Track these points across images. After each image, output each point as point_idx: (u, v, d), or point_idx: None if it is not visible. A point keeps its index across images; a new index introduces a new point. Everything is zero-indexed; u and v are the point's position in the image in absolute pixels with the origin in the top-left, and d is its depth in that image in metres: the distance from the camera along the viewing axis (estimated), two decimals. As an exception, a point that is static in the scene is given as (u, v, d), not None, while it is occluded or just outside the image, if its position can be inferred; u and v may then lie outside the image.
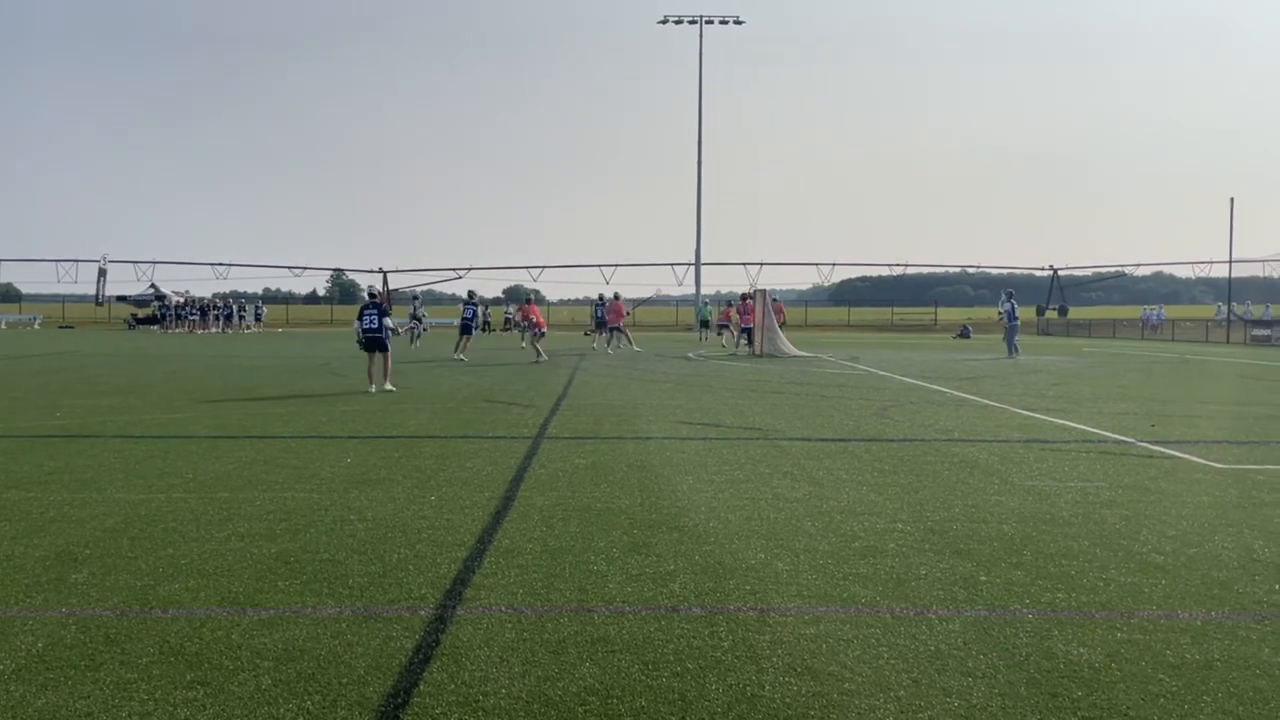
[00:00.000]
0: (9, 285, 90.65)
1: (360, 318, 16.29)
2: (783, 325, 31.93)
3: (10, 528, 6.18)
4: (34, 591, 4.89)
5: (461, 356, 24.69)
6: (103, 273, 69.30)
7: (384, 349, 16.00)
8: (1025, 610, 4.74)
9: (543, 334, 25.20)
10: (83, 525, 6.26)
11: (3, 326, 61.38)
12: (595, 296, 33.17)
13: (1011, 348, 27.92)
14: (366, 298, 17.35)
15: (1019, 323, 28.71)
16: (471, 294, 27.88)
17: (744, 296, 32.30)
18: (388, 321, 16.23)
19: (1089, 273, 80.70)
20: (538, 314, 25.58)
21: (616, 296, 31.37)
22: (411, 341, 30.88)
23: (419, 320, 34.27)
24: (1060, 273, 73.23)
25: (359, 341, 16.35)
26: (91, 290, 69.80)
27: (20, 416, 12.21)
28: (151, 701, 3.61)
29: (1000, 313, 29.71)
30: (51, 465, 8.50)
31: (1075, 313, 69.99)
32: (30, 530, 6.12)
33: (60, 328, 60.66)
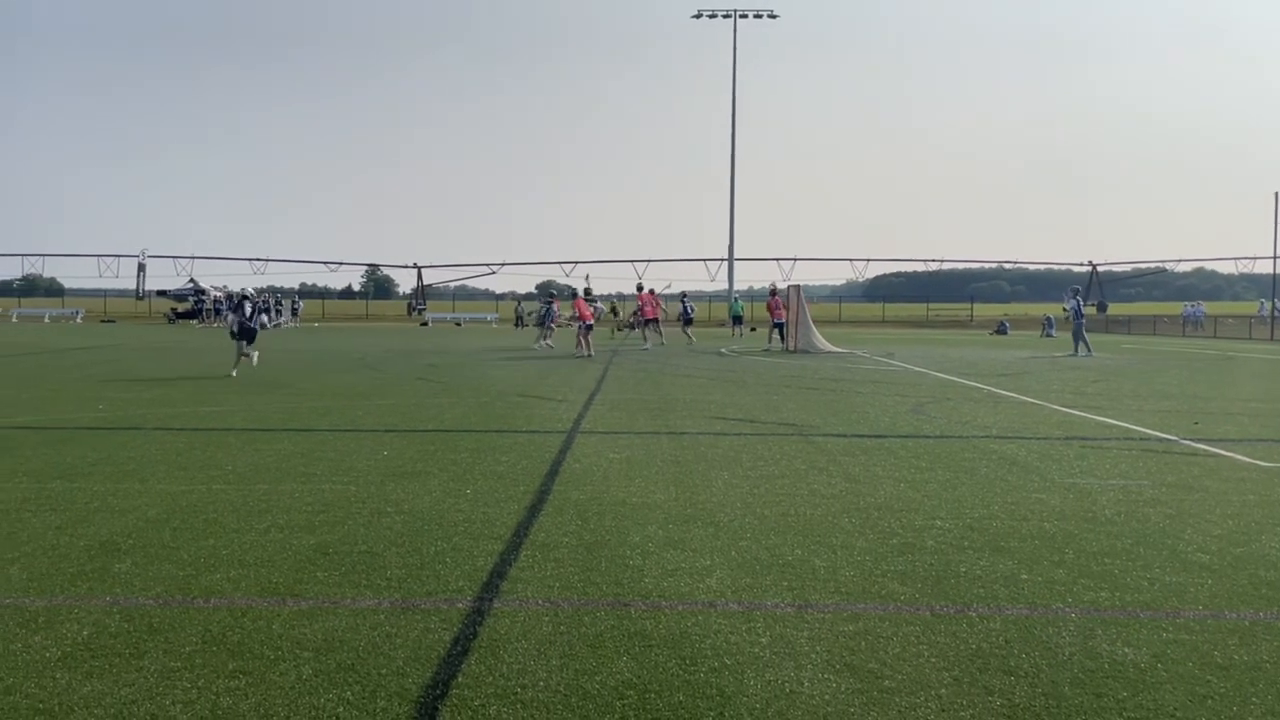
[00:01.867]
0: (52, 280, 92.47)
1: (239, 310, 19.34)
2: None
3: (55, 517, 6.28)
4: (79, 580, 4.96)
5: (588, 354, 24.70)
6: (142, 268, 70.54)
7: (253, 339, 19.04)
8: (1068, 609, 4.67)
9: (589, 327, 25.47)
10: (125, 515, 6.35)
11: (46, 321, 62.50)
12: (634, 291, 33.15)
13: (1083, 345, 27.60)
14: (252, 292, 21.53)
15: (1084, 320, 28.55)
16: (588, 291, 27.65)
17: (772, 292, 32.21)
18: (263, 318, 20.73)
19: (1128, 268, 79.71)
20: (584, 308, 25.81)
21: (641, 288, 31.51)
22: (541, 339, 29.88)
23: (550, 311, 31.82)
24: (1099, 268, 72.35)
25: (232, 332, 19.34)
26: (132, 285, 71.04)
27: (64, 408, 12.41)
28: (194, 690, 3.65)
29: (1065, 310, 29.51)
30: (95, 456, 8.63)
31: (1114, 309, 69.13)
32: (75, 520, 6.21)
33: (102, 322, 61.66)
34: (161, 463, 8.34)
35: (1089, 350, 27.54)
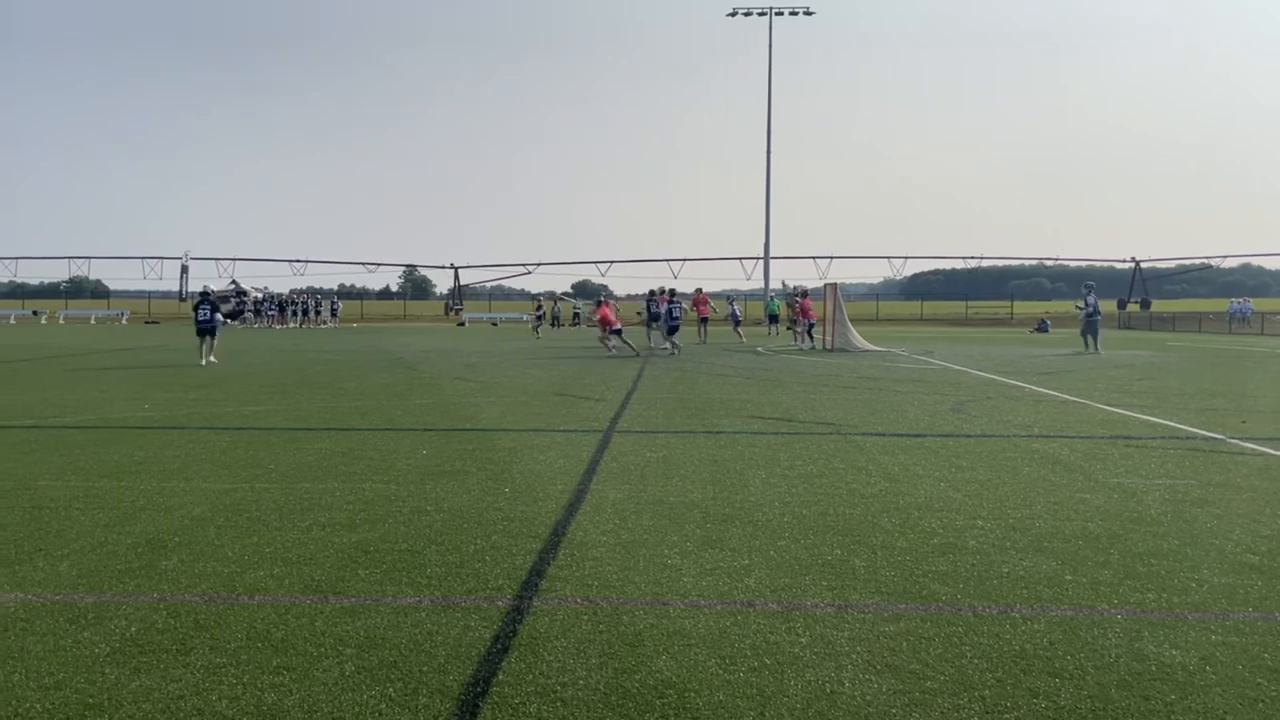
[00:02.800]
0: (98, 282, 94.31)
1: (196, 310, 21.51)
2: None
3: (104, 515, 6.39)
4: (126, 577, 5.04)
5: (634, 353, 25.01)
6: (185, 269, 71.68)
7: (214, 334, 21.23)
8: (1114, 610, 4.60)
9: (618, 331, 25.52)
10: (171, 513, 6.45)
11: (92, 322, 63.66)
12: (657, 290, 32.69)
13: (1096, 343, 27.24)
14: (199, 296, 22.77)
15: (1100, 316, 27.98)
16: (662, 290, 27.89)
17: (803, 294, 32.07)
18: (218, 316, 21.73)
19: (1173, 264, 78.37)
20: (607, 314, 25.92)
21: (663, 291, 31.26)
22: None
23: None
24: (1143, 265, 71.19)
25: (196, 325, 21.47)
26: (175, 286, 72.23)
27: (111, 407, 12.63)
28: (240, 685, 3.70)
29: (1077, 307, 28.95)
30: (141, 455, 8.77)
31: (1158, 306, 68.04)
32: (122, 518, 6.32)
33: (146, 323, 62.68)
34: (206, 461, 8.47)
35: (1088, 348, 27.03)
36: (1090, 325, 27.48)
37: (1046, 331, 49.58)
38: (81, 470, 8.01)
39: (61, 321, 63.57)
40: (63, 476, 7.73)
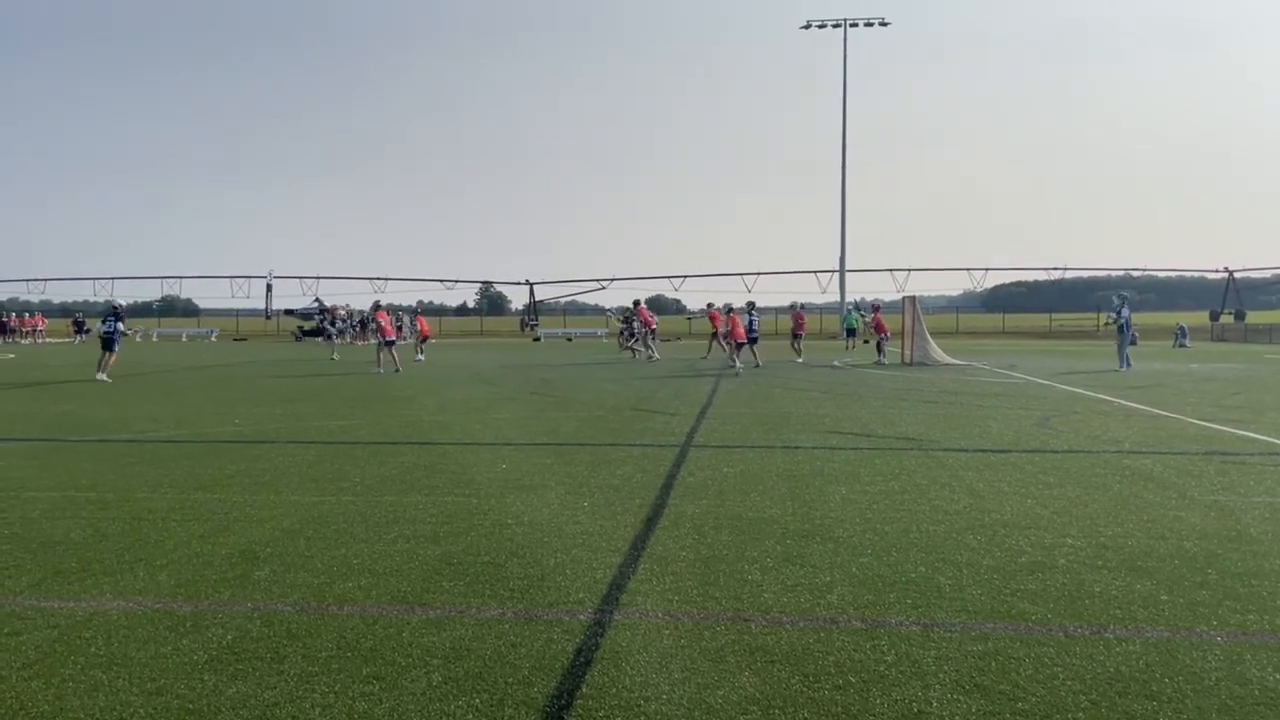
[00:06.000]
0: (188, 300, 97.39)
1: (104, 322, 22.66)
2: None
3: (199, 526, 6.61)
4: (222, 587, 5.21)
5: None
6: (270, 288, 73.64)
7: (114, 349, 22.07)
8: (1212, 632, 4.45)
9: (391, 342, 25.68)
10: (263, 525, 6.64)
11: (184, 339, 65.86)
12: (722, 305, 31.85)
13: (1126, 359, 25.31)
14: (110, 309, 23.28)
15: (1135, 332, 26.03)
16: (729, 306, 28.79)
17: (876, 307, 31.70)
18: (120, 326, 22.61)
19: (1268, 274, 75.37)
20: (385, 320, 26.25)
21: (714, 306, 31.33)
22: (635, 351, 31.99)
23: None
24: (1236, 274, 68.65)
25: (100, 338, 22.51)
26: (261, 305, 74.27)
27: (203, 422, 13.05)
28: (332, 694, 3.79)
29: (1109, 319, 27.28)
30: (233, 468, 9.05)
31: (1253, 317, 65.50)
32: (216, 529, 6.53)
33: (234, 340, 64.61)
34: (294, 475, 8.69)
35: (1128, 364, 25.45)
36: (1121, 339, 25.87)
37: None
38: (177, 483, 8.29)
39: (155, 339, 65.87)
40: (159, 489, 8.01)
